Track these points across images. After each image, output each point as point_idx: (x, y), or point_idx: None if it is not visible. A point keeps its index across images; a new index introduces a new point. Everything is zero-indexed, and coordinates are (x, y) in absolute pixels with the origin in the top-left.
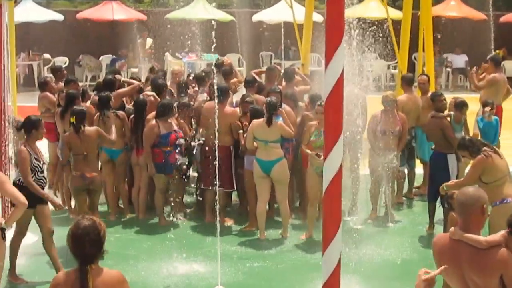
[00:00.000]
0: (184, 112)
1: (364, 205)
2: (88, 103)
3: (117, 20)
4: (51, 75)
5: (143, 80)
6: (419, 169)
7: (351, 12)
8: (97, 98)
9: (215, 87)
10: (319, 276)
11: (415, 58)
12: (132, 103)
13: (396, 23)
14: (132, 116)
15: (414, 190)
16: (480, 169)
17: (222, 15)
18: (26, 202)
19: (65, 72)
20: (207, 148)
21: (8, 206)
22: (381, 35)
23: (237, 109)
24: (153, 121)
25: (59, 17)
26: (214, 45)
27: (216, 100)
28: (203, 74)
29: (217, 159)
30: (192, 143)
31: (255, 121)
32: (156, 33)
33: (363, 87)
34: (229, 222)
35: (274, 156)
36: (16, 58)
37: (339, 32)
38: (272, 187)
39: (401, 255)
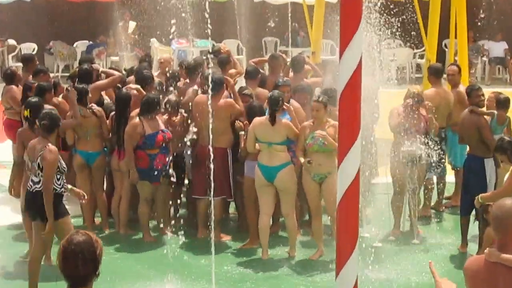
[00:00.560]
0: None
1: (385, 219)
2: (60, 98)
3: (95, 0)
4: (18, 64)
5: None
6: (450, 176)
7: None
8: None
9: (209, 78)
10: None
11: (445, 46)
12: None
13: (424, 4)
14: (112, 113)
15: (444, 201)
16: None
17: None
18: None
19: (37, 62)
20: (199, 149)
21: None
22: (405, 18)
23: (232, 100)
24: (137, 119)
25: None
26: (208, 29)
27: (210, 93)
28: (195, 63)
29: (211, 163)
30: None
31: (256, 119)
32: (141, 15)
33: (383, 80)
34: (225, 238)
35: (279, 161)
36: None
37: (356, 15)
38: (277, 198)
39: (428, 278)
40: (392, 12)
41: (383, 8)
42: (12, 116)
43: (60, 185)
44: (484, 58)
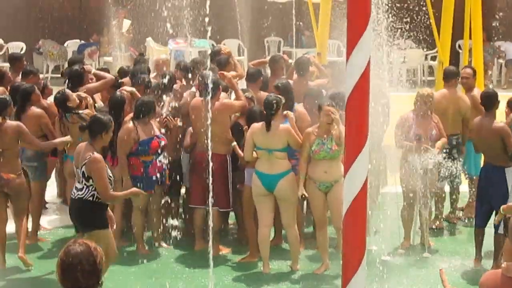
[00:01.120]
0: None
1: (395, 231)
2: (49, 100)
3: None
4: (6, 64)
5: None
6: (463, 186)
7: None
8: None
9: (206, 79)
10: None
11: (459, 47)
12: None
13: (437, 3)
14: None
15: (457, 212)
16: None
17: None
18: None
19: (25, 62)
20: (197, 156)
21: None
22: (417, 17)
23: (228, 99)
24: (130, 124)
25: None
26: (208, 29)
27: (208, 96)
28: (192, 64)
29: (210, 170)
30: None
31: (254, 125)
32: (136, 12)
33: (393, 83)
34: (225, 251)
35: (279, 168)
36: None
37: (364, 14)
38: (277, 208)
39: None
40: (403, 11)
41: (393, 6)
42: None
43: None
44: (500, 60)
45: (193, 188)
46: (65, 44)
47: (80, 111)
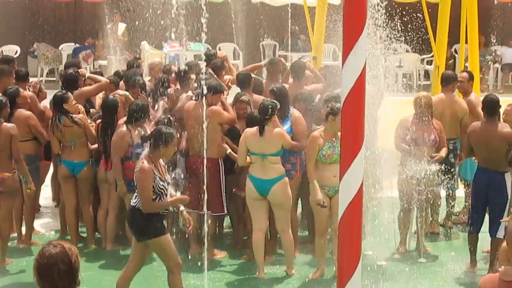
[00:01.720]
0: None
1: (390, 236)
2: (43, 104)
3: None
4: None
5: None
6: (459, 190)
7: None
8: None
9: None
10: None
11: (455, 51)
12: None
13: (432, 7)
14: (98, 120)
15: (453, 217)
16: None
17: None
18: None
19: (15, 65)
20: (190, 159)
21: None
22: (413, 21)
23: (220, 107)
24: (124, 128)
25: None
26: (203, 32)
27: (203, 100)
28: (185, 68)
29: (204, 174)
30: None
31: (247, 130)
32: (131, 16)
33: (389, 87)
34: (219, 255)
35: (272, 173)
36: None
37: (360, 18)
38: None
39: None
40: (399, 15)
41: (389, 10)
42: None
43: None
44: (497, 65)
45: (186, 192)
46: (60, 48)
47: (74, 116)
